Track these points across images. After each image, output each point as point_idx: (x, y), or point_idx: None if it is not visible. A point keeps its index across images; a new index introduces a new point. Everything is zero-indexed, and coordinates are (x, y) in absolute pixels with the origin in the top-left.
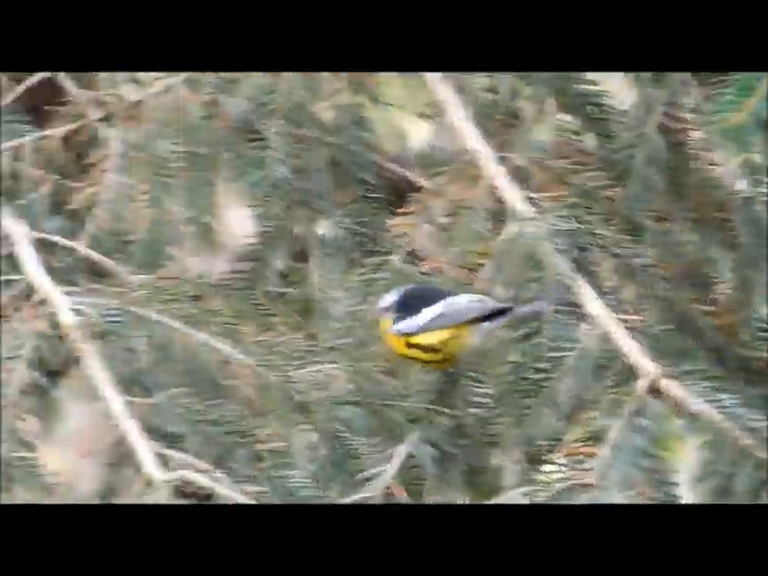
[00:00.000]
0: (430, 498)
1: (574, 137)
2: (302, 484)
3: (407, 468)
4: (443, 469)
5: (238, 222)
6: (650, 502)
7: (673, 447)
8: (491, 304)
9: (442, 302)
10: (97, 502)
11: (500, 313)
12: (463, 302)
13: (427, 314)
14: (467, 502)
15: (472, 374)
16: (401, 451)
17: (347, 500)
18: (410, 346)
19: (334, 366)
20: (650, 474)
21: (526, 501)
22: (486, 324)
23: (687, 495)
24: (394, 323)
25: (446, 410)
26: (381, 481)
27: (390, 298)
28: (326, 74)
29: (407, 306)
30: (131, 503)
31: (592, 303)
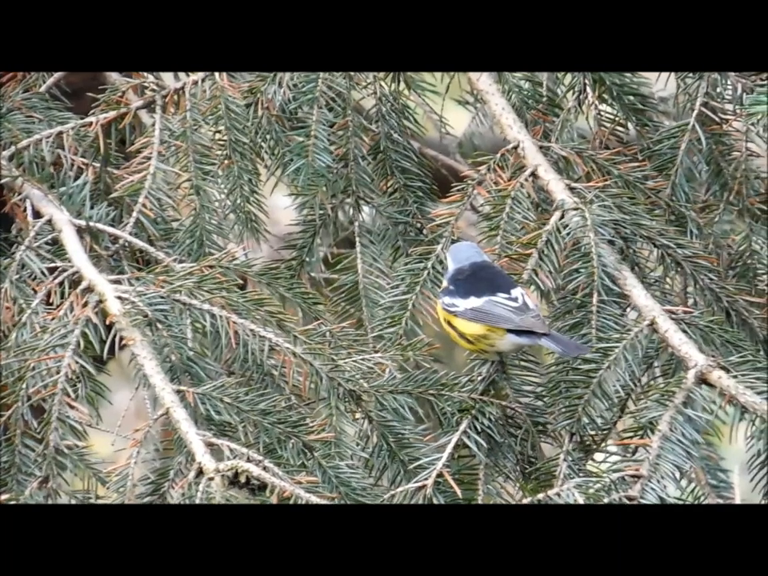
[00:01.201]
0: (483, 488)
1: (615, 126)
2: (353, 473)
3: (459, 458)
4: (495, 458)
5: (282, 210)
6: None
7: (723, 437)
8: (528, 322)
9: (489, 297)
10: (148, 488)
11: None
12: (504, 307)
13: (471, 302)
14: (518, 494)
15: (522, 363)
16: (452, 440)
17: (399, 489)
18: (449, 324)
19: (382, 354)
20: (703, 463)
21: (578, 492)
22: (515, 337)
23: (740, 484)
24: (442, 293)
25: (496, 400)
26: (432, 470)
27: (453, 265)
28: None
29: (463, 282)
30: (178, 503)
31: (638, 293)
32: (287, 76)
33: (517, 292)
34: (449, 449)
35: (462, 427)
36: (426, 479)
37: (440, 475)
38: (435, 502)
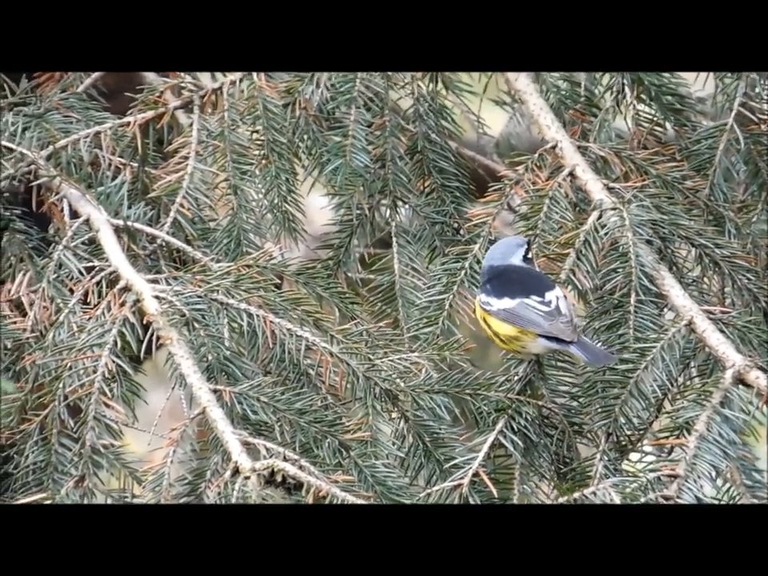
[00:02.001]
0: (518, 488)
1: (653, 126)
2: (389, 473)
3: (495, 457)
4: (530, 458)
5: (319, 210)
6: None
7: (760, 438)
8: (557, 328)
9: (522, 299)
10: (184, 488)
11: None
12: (535, 311)
13: (504, 303)
14: (554, 493)
15: (558, 363)
16: (488, 440)
17: (435, 488)
18: (485, 322)
19: (419, 354)
20: (738, 463)
21: (614, 491)
22: (545, 341)
23: None
24: (480, 290)
25: (533, 400)
26: (468, 469)
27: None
28: None
29: (498, 281)
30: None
31: (676, 293)
32: (325, 76)
33: (552, 295)
34: (485, 448)
35: (498, 427)
36: (462, 478)
37: (476, 474)
38: (471, 501)
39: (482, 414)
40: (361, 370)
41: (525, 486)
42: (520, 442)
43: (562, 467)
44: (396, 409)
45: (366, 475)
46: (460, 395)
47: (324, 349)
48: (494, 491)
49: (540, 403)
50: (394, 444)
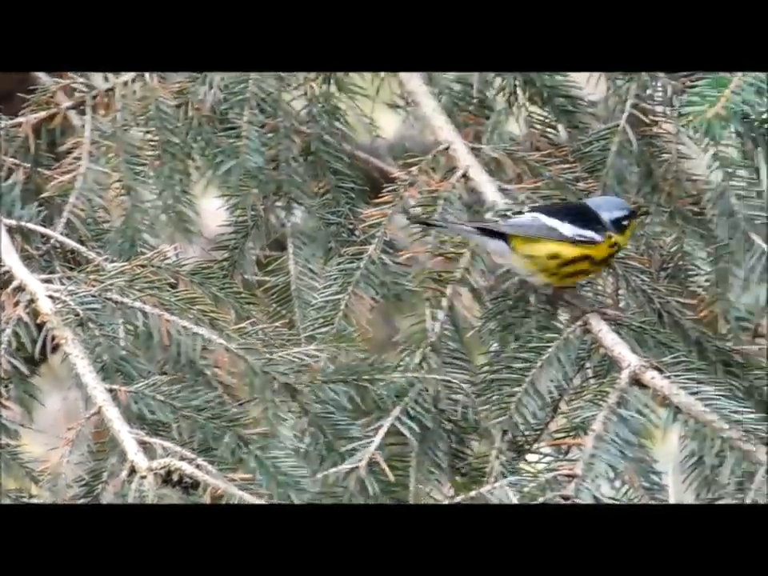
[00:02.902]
0: (414, 477)
1: (545, 128)
2: (291, 464)
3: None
4: (426, 446)
5: (214, 211)
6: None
7: (656, 438)
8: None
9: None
10: (81, 489)
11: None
12: None
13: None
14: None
15: (454, 361)
16: (385, 425)
17: (332, 470)
18: None
19: (315, 348)
20: (636, 464)
21: (512, 491)
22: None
23: (674, 485)
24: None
25: (429, 389)
26: (365, 452)
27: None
28: None
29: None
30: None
31: (571, 294)
32: (217, 77)
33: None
34: (382, 432)
35: (395, 412)
36: (360, 461)
37: (372, 457)
38: (368, 484)
39: (383, 398)
40: (258, 366)
41: (421, 475)
42: (416, 428)
43: (456, 462)
44: (296, 402)
45: (267, 466)
46: (358, 382)
47: (220, 345)
48: (390, 476)
49: (438, 377)
50: (295, 437)
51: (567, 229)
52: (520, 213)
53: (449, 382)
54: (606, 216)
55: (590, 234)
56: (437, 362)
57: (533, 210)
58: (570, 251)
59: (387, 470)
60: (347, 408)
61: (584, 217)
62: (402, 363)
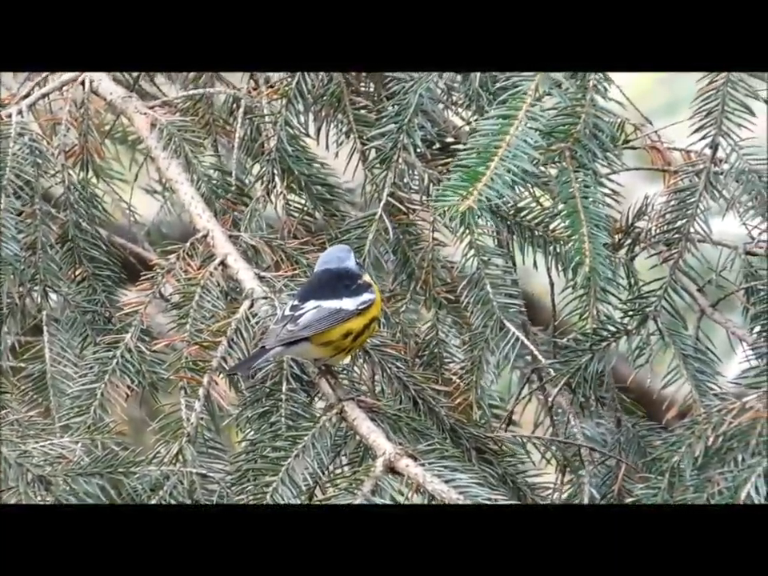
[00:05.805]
0: None
1: (303, 216)
2: None
3: None
4: None
5: None
6: None
7: None
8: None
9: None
10: None
11: None
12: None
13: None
14: None
15: (210, 450)
16: None
17: None
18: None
19: (70, 439)
20: None
21: None
22: None
23: None
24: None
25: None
26: None
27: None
28: (54, 151)
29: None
30: None
31: (326, 383)
32: None
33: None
34: None
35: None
36: None
37: None
38: None
39: (138, 493)
40: (12, 457)
41: None
42: None
43: None
44: (50, 495)
45: None
46: (113, 475)
47: None
48: None
49: (188, 470)
50: None
51: (348, 303)
52: (297, 306)
53: (204, 475)
54: (351, 264)
55: (366, 297)
56: (192, 453)
57: (303, 298)
58: (358, 323)
59: None
60: (103, 501)
61: (350, 281)
62: (157, 455)
